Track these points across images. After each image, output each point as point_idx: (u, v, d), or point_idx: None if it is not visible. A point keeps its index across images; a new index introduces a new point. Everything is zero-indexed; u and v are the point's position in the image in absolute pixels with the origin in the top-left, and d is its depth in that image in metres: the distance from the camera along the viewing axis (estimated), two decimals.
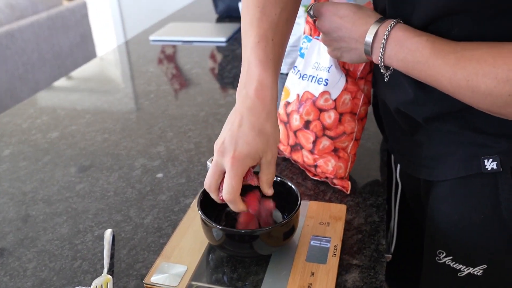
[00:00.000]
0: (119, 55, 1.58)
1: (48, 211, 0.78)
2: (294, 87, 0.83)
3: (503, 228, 0.66)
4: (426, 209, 0.76)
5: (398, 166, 0.87)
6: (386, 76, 0.66)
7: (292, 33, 1.32)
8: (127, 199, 0.80)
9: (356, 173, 0.84)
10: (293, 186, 0.67)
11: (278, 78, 0.65)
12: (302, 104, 0.80)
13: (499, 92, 0.53)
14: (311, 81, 0.80)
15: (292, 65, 1.31)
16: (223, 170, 0.60)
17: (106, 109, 1.15)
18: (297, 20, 1.25)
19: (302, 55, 0.83)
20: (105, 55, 1.57)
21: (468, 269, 0.70)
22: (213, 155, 0.60)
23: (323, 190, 0.80)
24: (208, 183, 0.61)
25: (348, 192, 0.79)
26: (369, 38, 0.63)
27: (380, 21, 0.63)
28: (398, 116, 0.74)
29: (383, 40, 0.61)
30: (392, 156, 0.89)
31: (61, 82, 1.37)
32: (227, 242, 0.61)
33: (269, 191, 0.63)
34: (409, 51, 0.60)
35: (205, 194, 0.66)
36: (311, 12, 0.74)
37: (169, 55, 1.53)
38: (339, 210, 0.73)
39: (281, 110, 0.86)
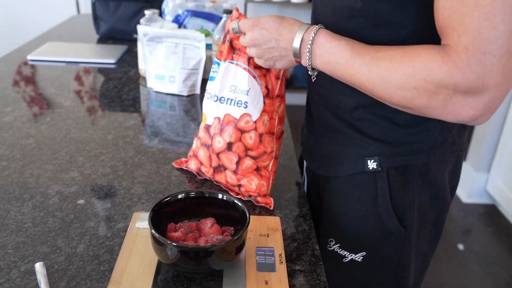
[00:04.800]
0: None
1: None
2: (212, 111, 0.86)
3: (379, 221, 0.79)
4: (323, 202, 0.86)
5: (305, 162, 0.96)
6: (313, 78, 0.75)
7: (192, 56, 1.35)
8: (50, 229, 0.75)
9: (278, 188, 0.90)
10: (238, 202, 0.70)
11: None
12: (224, 126, 0.84)
13: (407, 86, 0.61)
14: (231, 104, 0.84)
15: (193, 88, 1.34)
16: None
17: None
18: (197, 44, 1.29)
19: (211, 79, 0.86)
20: None
21: (351, 255, 0.82)
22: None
23: (251, 205, 0.85)
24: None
25: (271, 208, 0.84)
26: (296, 44, 0.71)
27: (304, 28, 0.71)
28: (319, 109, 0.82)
29: (309, 46, 0.69)
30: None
31: None
32: (182, 259, 0.62)
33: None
34: (331, 54, 0.68)
35: (153, 212, 0.66)
36: (236, 29, 0.79)
37: (56, 77, 1.44)
38: (274, 221, 0.78)
39: (201, 133, 0.89)
